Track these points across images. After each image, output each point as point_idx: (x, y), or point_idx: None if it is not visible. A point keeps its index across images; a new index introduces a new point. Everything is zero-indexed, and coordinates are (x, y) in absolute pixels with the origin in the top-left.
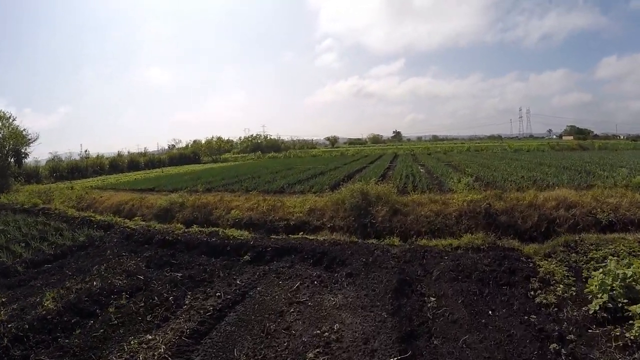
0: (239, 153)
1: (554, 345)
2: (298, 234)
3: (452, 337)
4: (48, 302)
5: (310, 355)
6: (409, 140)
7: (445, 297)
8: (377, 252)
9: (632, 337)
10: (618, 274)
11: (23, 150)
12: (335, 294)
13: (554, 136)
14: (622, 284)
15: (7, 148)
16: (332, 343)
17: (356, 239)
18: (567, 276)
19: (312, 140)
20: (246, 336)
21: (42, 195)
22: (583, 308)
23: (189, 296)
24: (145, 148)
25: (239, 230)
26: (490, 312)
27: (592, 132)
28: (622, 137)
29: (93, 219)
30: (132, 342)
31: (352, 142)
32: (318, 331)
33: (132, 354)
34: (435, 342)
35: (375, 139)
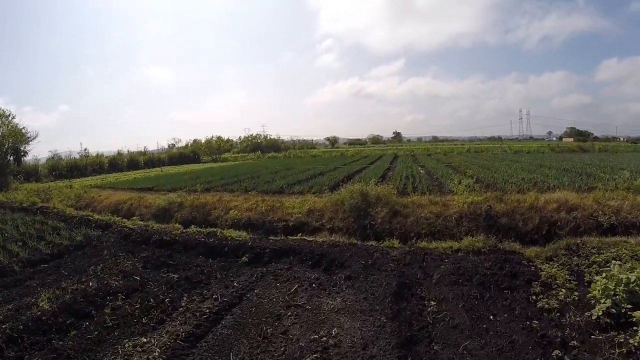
0: (238, 153)
1: (557, 351)
2: (297, 235)
3: (452, 342)
4: (43, 302)
5: None
6: (409, 141)
7: (445, 301)
8: (376, 254)
9: (635, 344)
10: (621, 278)
11: (22, 149)
12: (334, 297)
13: (554, 138)
14: (626, 288)
15: (6, 146)
16: (330, 348)
17: (355, 241)
18: (569, 280)
19: (312, 140)
20: (242, 340)
21: (40, 194)
22: (586, 313)
23: (185, 298)
24: (145, 147)
25: (238, 231)
26: (491, 316)
27: (592, 134)
28: (622, 140)
29: (91, 218)
30: (126, 345)
31: (352, 142)
32: (316, 336)
33: (126, 357)
34: (435, 348)
35: (375, 140)
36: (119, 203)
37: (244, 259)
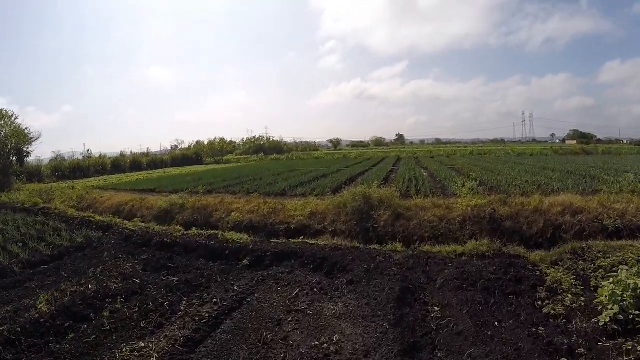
0: (241, 154)
1: (564, 359)
2: (299, 238)
3: (456, 350)
4: (42, 304)
5: None
6: (411, 143)
7: (449, 307)
8: (379, 258)
9: None
10: (629, 284)
11: (25, 149)
12: (336, 302)
13: (557, 140)
14: (633, 294)
15: (9, 147)
16: (331, 355)
17: (358, 244)
18: (575, 285)
19: (315, 142)
20: (242, 346)
21: (43, 195)
22: (593, 320)
23: (184, 302)
24: (148, 148)
25: (239, 234)
26: (496, 323)
27: (595, 136)
28: (625, 142)
29: (92, 219)
30: (124, 350)
31: (355, 144)
32: (317, 342)
33: None
34: (439, 355)
35: (378, 142)
36: (120, 204)
37: (245, 262)
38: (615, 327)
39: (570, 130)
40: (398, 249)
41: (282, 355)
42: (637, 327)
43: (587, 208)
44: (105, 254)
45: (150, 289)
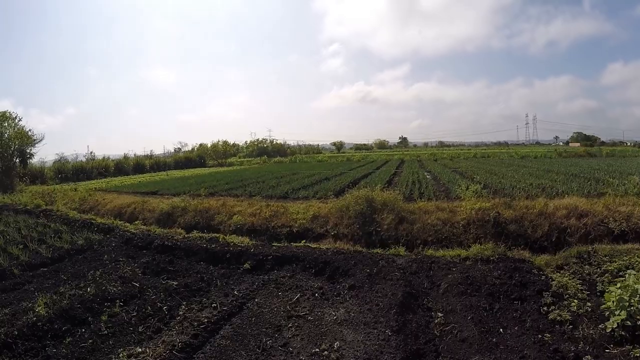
0: (244, 157)
1: None
2: (301, 242)
3: (460, 357)
4: (40, 307)
5: None
6: (415, 146)
7: (453, 313)
8: (381, 262)
9: None
10: (637, 289)
11: (28, 151)
12: (337, 308)
13: (561, 143)
14: None
15: (12, 148)
16: None
17: (360, 248)
18: (581, 290)
19: (318, 145)
20: (241, 352)
21: (45, 196)
22: (600, 326)
23: (183, 306)
24: (151, 151)
25: (240, 237)
26: (501, 329)
27: (599, 138)
28: (629, 144)
29: (94, 221)
30: (120, 355)
31: (358, 147)
32: (317, 349)
33: None
34: None
35: (382, 145)
36: (122, 207)
37: (246, 266)
38: (623, 333)
39: (574, 133)
40: (401, 253)
41: None
42: None
43: (592, 211)
44: (106, 256)
45: (150, 293)
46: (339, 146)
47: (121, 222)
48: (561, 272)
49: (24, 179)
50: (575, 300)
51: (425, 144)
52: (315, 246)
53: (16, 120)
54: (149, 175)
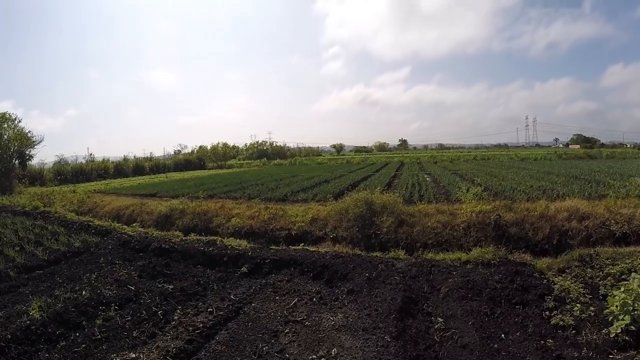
0: (244, 159)
1: None
2: (299, 245)
3: None
4: (34, 311)
5: None
6: (415, 148)
7: (453, 318)
8: (381, 266)
9: None
10: None
11: (27, 152)
12: (335, 313)
13: (561, 145)
14: None
15: (11, 150)
16: None
17: (359, 252)
18: (584, 294)
19: (318, 147)
20: (236, 358)
21: (43, 198)
22: (603, 331)
23: (179, 310)
24: (151, 153)
25: (238, 240)
26: (503, 335)
27: (599, 140)
28: (628, 146)
29: (91, 224)
30: None
31: (358, 149)
32: (314, 356)
33: None
34: None
35: (382, 147)
36: (120, 209)
37: (244, 269)
38: (627, 338)
39: (574, 135)
40: (401, 257)
41: None
42: None
43: (594, 213)
44: (102, 259)
45: (145, 297)
46: (338, 149)
47: (119, 224)
48: (563, 275)
49: (23, 180)
50: (578, 305)
51: (425, 147)
52: (313, 249)
53: (16, 122)
54: (148, 177)
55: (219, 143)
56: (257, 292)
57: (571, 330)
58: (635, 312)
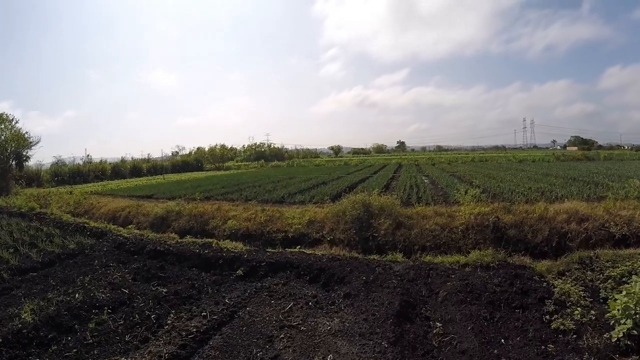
0: (242, 161)
1: None
2: (296, 247)
3: None
4: (26, 314)
5: None
6: (412, 150)
7: (452, 323)
8: (378, 269)
9: None
10: None
11: (24, 153)
12: (332, 317)
13: (558, 147)
14: None
15: (8, 151)
16: None
17: (357, 254)
18: (584, 297)
19: (316, 149)
20: None
21: (40, 199)
22: (604, 335)
23: (172, 315)
24: (149, 154)
25: (234, 242)
26: (502, 340)
27: (596, 142)
28: (626, 148)
29: (87, 225)
30: None
31: (356, 151)
32: None
33: None
34: None
35: (379, 149)
36: (117, 210)
37: (239, 272)
38: (629, 343)
39: (571, 137)
40: (398, 260)
41: None
42: None
43: (593, 215)
44: (96, 261)
45: (139, 300)
46: (336, 150)
47: (115, 226)
48: (563, 278)
49: (19, 181)
50: (579, 309)
51: (423, 148)
52: (310, 252)
53: (13, 123)
54: (145, 179)
55: (216, 145)
56: (253, 296)
57: (572, 335)
58: (638, 316)
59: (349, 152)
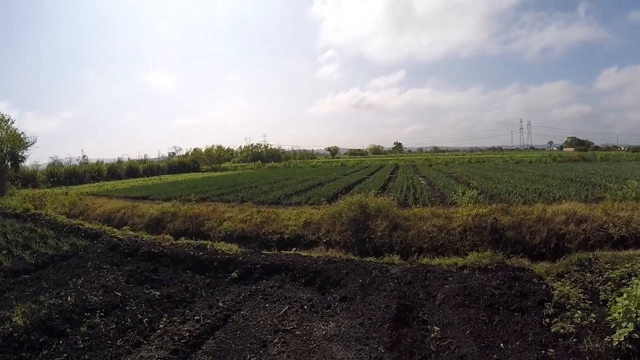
0: (239, 162)
1: None
2: (291, 249)
3: None
4: (18, 317)
5: None
6: (409, 151)
7: (450, 326)
8: (375, 272)
9: None
10: None
11: (20, 154)
12: (327, 321)
13: (555, 148)
14: None
15: (4, 151)
16: None
17: (353, 257)
18: (584, 299)
19: (313, 150)
20: None
21: (35, 200)
22: (605, 339)
23: (165, 318)
24: (145, 155)
25: (229, 244)
26: (502, 344)
27: (593, 143)
28: (622, 148)
29: (81, 227)
30: None
31: (353, 152)
32: None
33: None
34: None
35: (376, 150)
36: (112, 212)
37: (233, 275)
38: (630, 346)
39: (568, 138)
40: (395, 262)
41: None
42: None
43: (591, 216)
44: (90, 263)
45: (131, 303)
46: (333, 151)
47: (109, 227)
48: (562, 280)
49: (15, 182)
50: (579, 311)
51: (420, 150)
52: (306, 254)
53: (9, 123)
54: (141, 180)
55: (213, 146)
56: (247, 299)
57: (572, 339)
58: (639, 319)
59: (345, 153)
